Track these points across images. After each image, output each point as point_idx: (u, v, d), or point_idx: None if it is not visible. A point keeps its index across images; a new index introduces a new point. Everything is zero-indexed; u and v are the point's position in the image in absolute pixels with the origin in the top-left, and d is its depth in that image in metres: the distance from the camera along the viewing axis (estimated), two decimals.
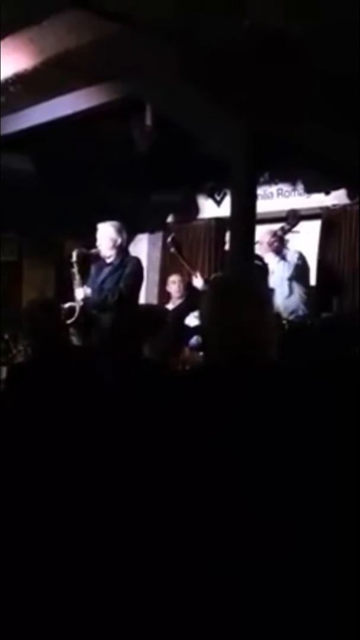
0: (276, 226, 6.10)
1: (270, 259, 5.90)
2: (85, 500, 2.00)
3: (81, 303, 5.38)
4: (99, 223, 5.50)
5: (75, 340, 5.06)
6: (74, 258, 5.55)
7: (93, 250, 5.53)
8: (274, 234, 6.01)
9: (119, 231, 5.48)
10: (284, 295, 5.87)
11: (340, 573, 1.55)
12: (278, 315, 5.04)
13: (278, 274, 5.89)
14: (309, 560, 1.53)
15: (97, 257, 5.54)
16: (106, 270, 5.46)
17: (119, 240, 5.46)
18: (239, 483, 1.58)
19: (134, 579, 1.64)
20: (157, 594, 1.59)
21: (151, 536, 1.62)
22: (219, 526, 1.57)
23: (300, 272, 6.06)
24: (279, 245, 5.99)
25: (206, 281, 6.24)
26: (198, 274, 6.36)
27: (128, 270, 5.38)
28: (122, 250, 5.48)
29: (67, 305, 5.27)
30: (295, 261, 5.99)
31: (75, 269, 5.53)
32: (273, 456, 1.58)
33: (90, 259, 5.63)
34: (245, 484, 1.58)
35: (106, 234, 5.46)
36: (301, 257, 6.09)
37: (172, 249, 6.87)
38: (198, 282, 6.29)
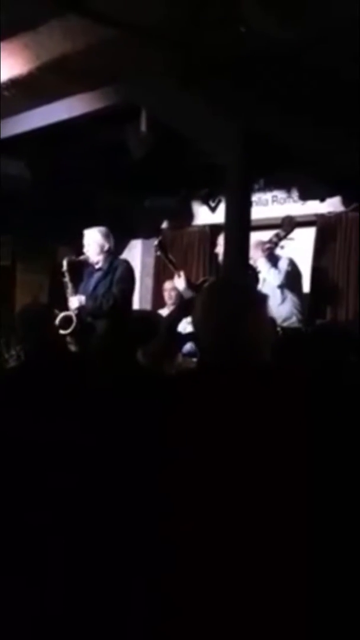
0: (265, 237, 6.10)
1: (262, 266, 5.89)
2: (77, 504, 1.98)
3: (76, 312, 5.37)
4: (85, 229, 5.50)
5: (73, 348, 5.05)
6: (64, 267, 5.55)
7: (82, 257, 5.53)
8: (269, 240, 6.01)
9: (106, 236, 5.48)
10: (276, 302, 5.86)
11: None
12: (273, 320, 5.02)
13: (269, 282, 5.89)
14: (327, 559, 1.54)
15: (87, 263, 5.54)
16: (96, 276, 5.46)
17: (107, 245, 5.46)
18: (234, 486, 1.58)
19: (135, 582, 1.63)
20: (157, 596, 1.59)
21: (151, 538, 1.61)
22: (221, 526, 1.56)
23: (291, 278, 6.05)
24: (271, 252, 5.99)
25: (189, 282, 6.18)
26: (181, 273, 6.26)
27: (119, 274, 5.38)
28: (110, 254, 5.48)
29: (63, 314, 5.26)
30: (286, 268, 5.99)
31: (67, 278, 5.54)
32: (270, 457, 1.58)
33: (82, 266, 5.62)
34: (239, 485, 1.57)
35: (93, 239, 5.46)
36: (291, 264, 6.08)
37: (158, 252, 6.80)
38: (180, 282, 6.21)
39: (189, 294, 6.02)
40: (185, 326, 5.58)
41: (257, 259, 5.83)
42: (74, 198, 6.64)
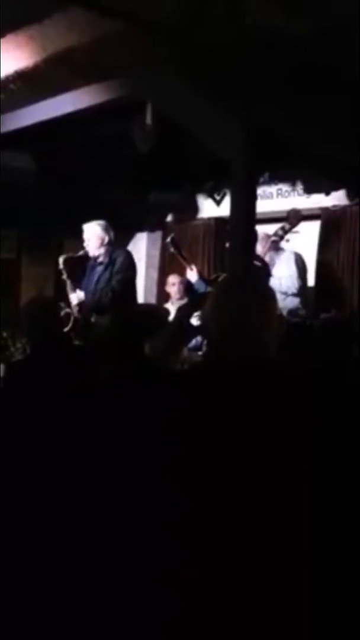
0: (271, 229, 6.10)
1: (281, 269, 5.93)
2: (81, 498, 1.99)
3: (77, 308, 5.39)
4: (84, 223, 5.51)
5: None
6: (61, 265, 5.57)
7: (81, 252, 5.54)
8: (275, 233, 6.02)
9: (106, 229, 5.49)
10: (285, 296, 5.88)
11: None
12: (281, 316, 5.04)
13: (284, 274, 5.92)
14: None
15: (87, 258, 5.56)
16: (98, 269, 5.48)
17: (107, 238, 5.48)
18: (237, 480, 1.58)
19: (134, 579, 1.64)
20: (155, 595, 1.59)
21: (152, 534, 1.62)
22: (220, 521, 1.57)
23: (298, 273, 6.07)
24: (277, 245, 6.00)
25: (201, 275, 6.23)
26: (193, 267, 6.30)
27: (117, 266, 5.40)
28: (110, 246, 5.49)
29: (62, 312, 5.27)
30: (297, 274, 6.03)
31: (64, 276, 5.56)
32: (272, 453, 1.58)
33: (83, 260, 5.64)
34: (242, 481, 1.58)
35: (93, 233, 5.48)
36: (299, 260, 6.10)
37: (172, 249, 6.83)
38: (192, 275, 6.25)
39: (202, 286, 6.05)
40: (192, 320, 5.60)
41: (265, 252, 5.86)
42: (79, 191, 6.64)
